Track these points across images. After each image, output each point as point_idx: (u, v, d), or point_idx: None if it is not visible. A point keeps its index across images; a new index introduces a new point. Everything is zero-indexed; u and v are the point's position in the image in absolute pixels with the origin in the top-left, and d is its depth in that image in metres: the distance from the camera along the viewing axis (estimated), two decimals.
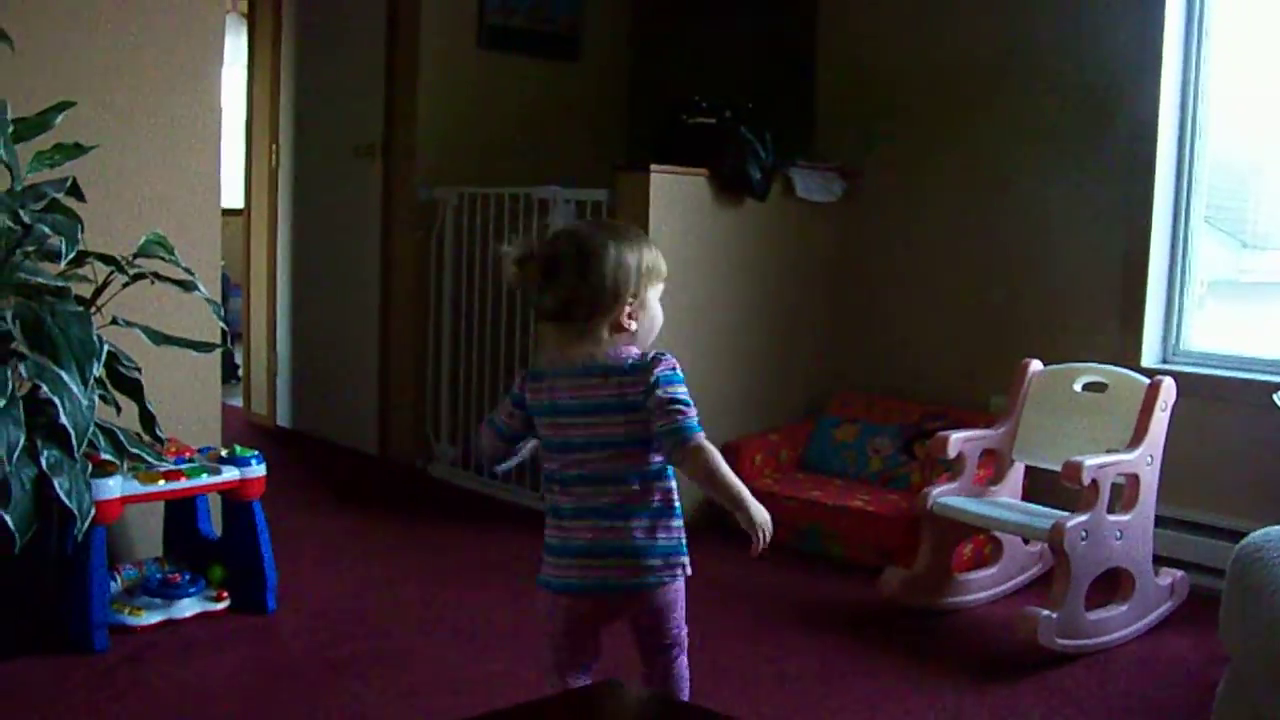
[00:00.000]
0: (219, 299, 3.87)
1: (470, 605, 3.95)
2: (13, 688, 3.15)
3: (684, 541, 2.44)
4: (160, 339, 3.38)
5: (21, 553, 3.07)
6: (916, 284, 5.20)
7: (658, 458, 2.39)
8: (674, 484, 2.43)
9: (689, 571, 2.46)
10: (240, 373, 7.26)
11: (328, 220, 6.34)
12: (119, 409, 3.42)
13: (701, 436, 2.33)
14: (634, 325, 2.42)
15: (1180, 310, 4.58)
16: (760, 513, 2.37)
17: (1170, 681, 3.51)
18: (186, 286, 3.40)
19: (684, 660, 2.54)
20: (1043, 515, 3.84)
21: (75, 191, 3.23)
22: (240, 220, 6.83)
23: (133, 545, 3.93)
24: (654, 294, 2.47)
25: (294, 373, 6.62)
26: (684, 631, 2.51)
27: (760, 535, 2.35)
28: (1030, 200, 4.83)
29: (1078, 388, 4.07)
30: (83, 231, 3.13)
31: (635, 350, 2.43)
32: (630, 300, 2.40)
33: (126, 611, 3.55)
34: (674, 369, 2.39)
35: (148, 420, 3.43)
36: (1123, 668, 3.60)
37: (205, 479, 3.61)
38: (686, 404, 2.35)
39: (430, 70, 5.73)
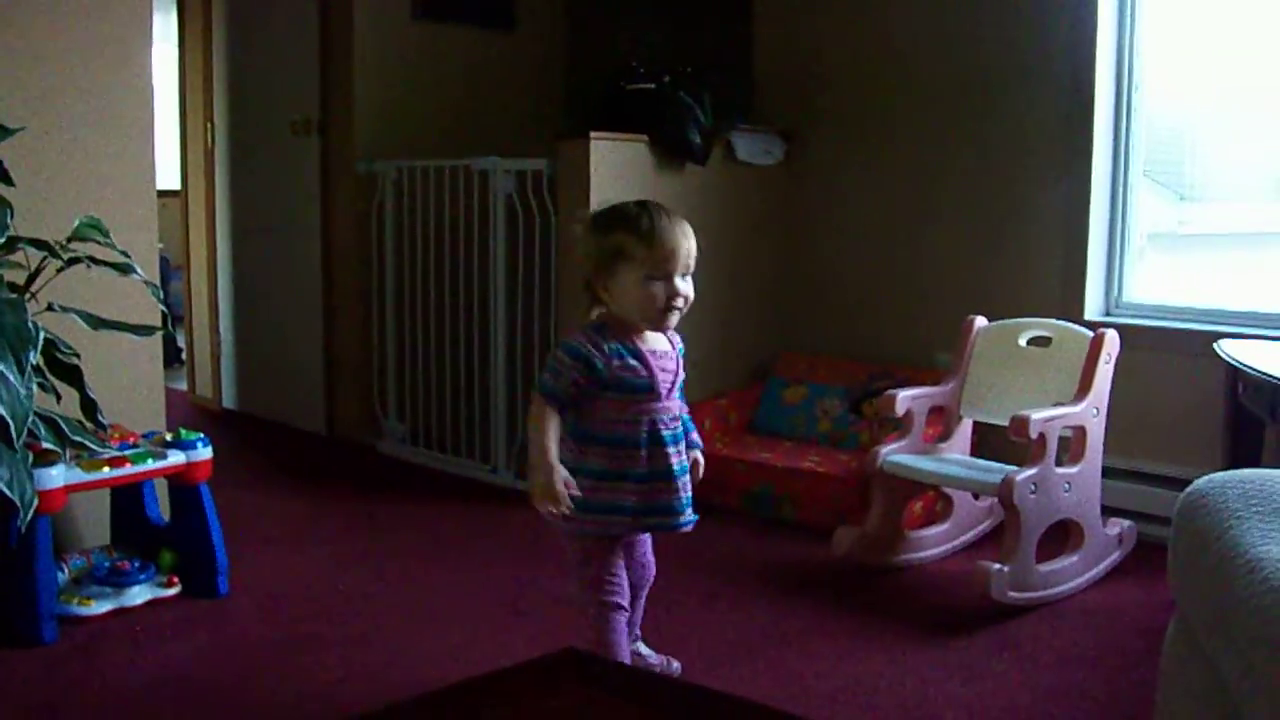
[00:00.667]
0: (158, 281, 3.82)
1: (426, 581, 3.93)
2: None
3: (584, 498, 2.67)
4: (98, 323, 3.32)
5: None
6: (859, 244, 5.21)
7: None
8: (582, 441, 2.75)
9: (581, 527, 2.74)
10: (184, 356, 7.18)
11: (267, 198, 6.26)
12: (59, 397, 3.36)
13: (536, 394, 2.71)
14: (608, 299, 2.73)
15: (1121, 263, 4.61)
16: (539, 480, 2.64)
17: (1121, 630, 3.55)
18: (123, 270, 3.34)
19: (594, 614, 2.75)
20: (992, 470, 3.87)
21: (2, 175, 3.16)
22: (178, 201, 6.73)
23: (79, 534, 3.88)
24: (628, 273, 2.67)
25: (238, 354, 6.55)
26: (586, 585, 2.77)
27: (541, 505, 2.63)
28: (971, 158, 4.85)
29: (1022, 342, 4.10)
30: (12, 217, 3.07)
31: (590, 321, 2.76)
32: (597, 276, 2.72)
33: (75, 602, 3.50)
34: (567, 341, 2.75)
35: (89, 407, 3.37)
36: (1074, 618, 3.64)
37: (150, 464, 3.56)
38: (548, 366, 2.73)
39: (365, 42, 5.66)
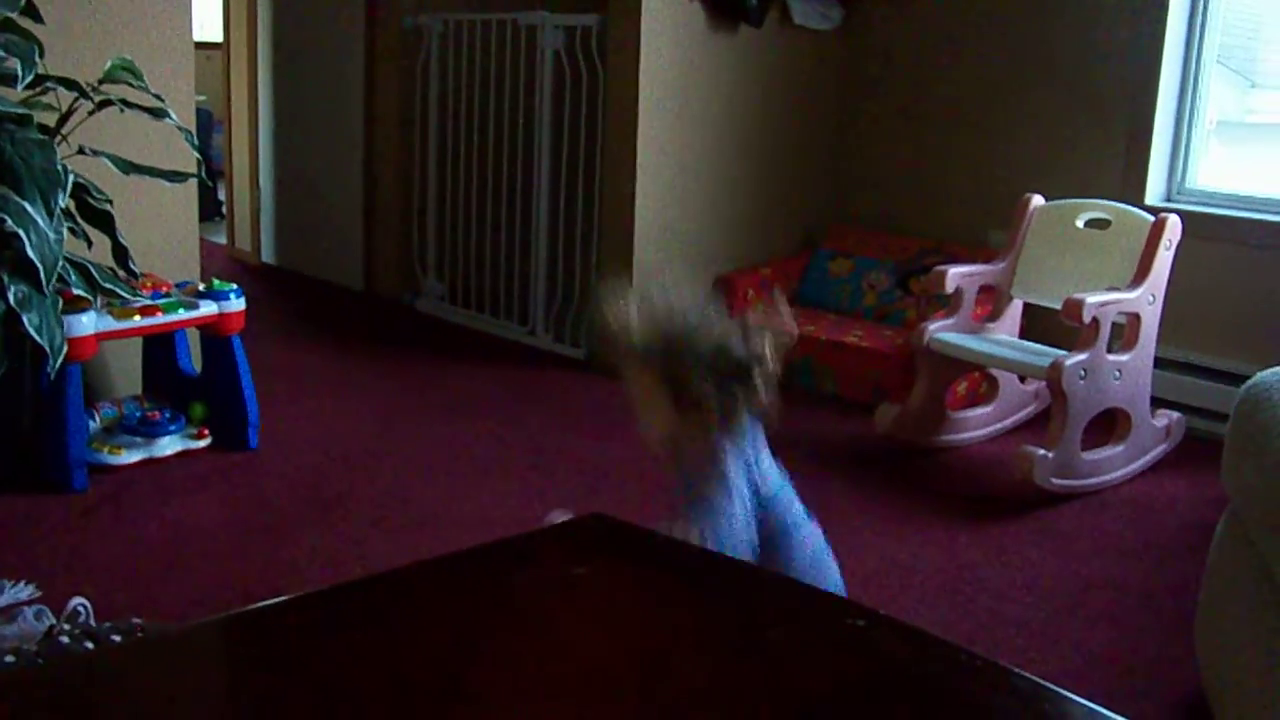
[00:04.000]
0: (193, 128, 3.72)
1: (458, 442, 3.89)
2: None
3: None
4: (130, 168, 3.24)
5: None
6: (916, 116, 5.04)
7: None
8: None
9: None
10: (224, 210, 7.12)
11: (310, 52, 6.13)
12: (90, 243, 3.30)
13: None
14: None
15: (1187, 148, 4.43)
16: None
17: (1163, 524, 3.48)
18: (157, 114, 3.25)
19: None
20: (1041, 353, 3.76)
21: (31, 12, 3.06)
22: (220, 54, 6.61)
23: (111, 383, 3.85)
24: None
25: (278, 209, 6.48)
26: None
27: None
28: (1038, 33, 4.65)
29: (1080, 224, 3.96)
30: (41, 55, 2.97)
31: None
32: None
33: (106, 450, 3.48)
34: None
35: (120, 254, 3.32)
36: (1116, 509, 3.56)
37: (182, 314, 3.51)
38: None
39: None
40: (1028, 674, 1.10)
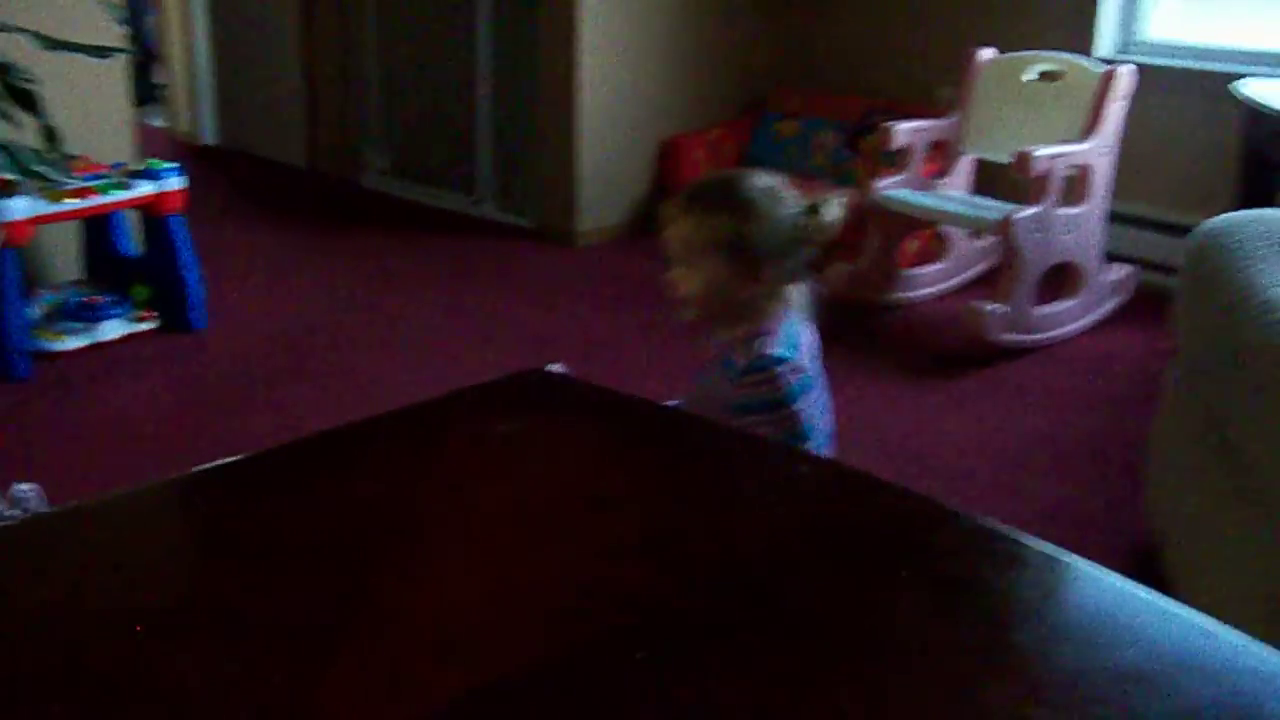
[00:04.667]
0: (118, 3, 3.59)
1: (403, 315, 3.86)
2: None
3: None
4: (51, 44, 3.12)
5: None
6: None
7: None
8: None
9: None
10: (161, 93, 6.94)
11: None
12: (16, 125, 3.20)
13: None
14: None
15: None
16: None
17: (1116, 374, 3.49)
18: None
19: None
20: (992, 208, 3.74)
21: None
22: None
23: (51, 269, 3.77)
24: None
25: (217, 88, 6.32)
26: None
27: None
28: None
29: (1030, 76, 3.91)
30: None
31: None
32: None
33: (48, 337, 3.42)
34: None
35: (50, 135, 3.21)
36: (1068, 362, 3.58)
37: (118, 195, 3.43)
38: None
39: None
40: (971, 514, 1.09)
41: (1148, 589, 0.97)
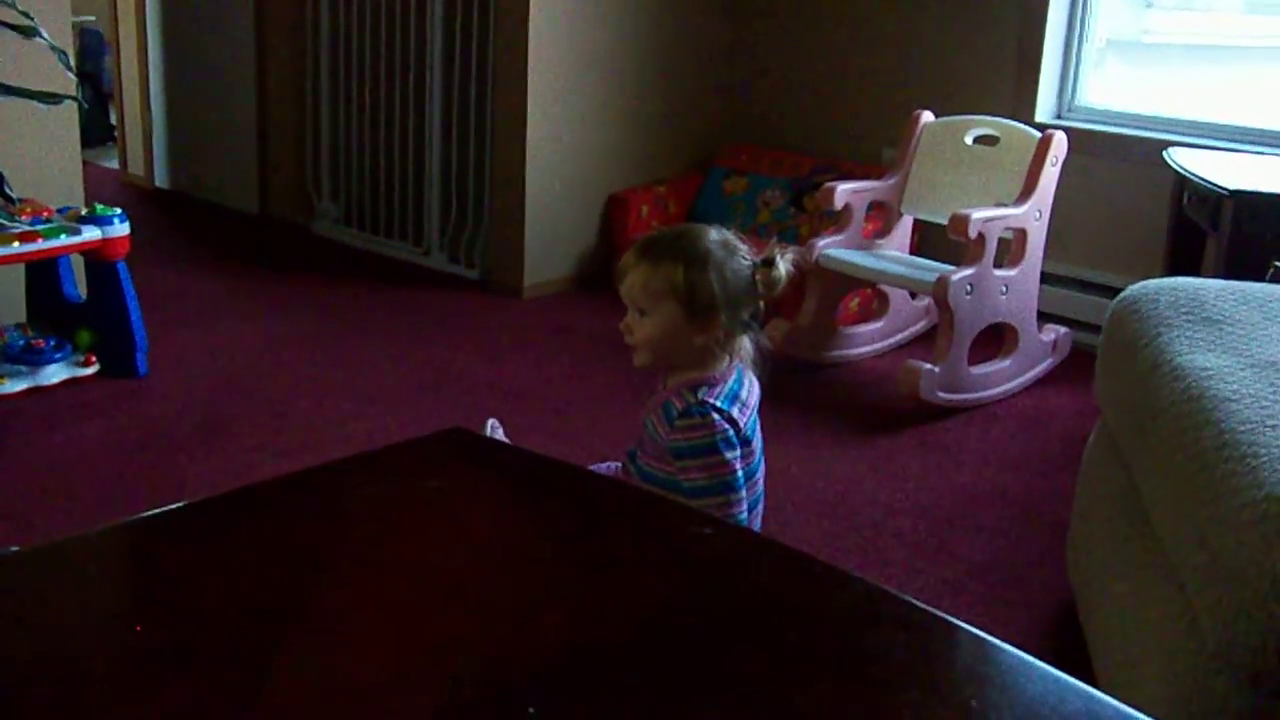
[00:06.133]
0: (69, 50, 3.62)
1: (350, 362, 3.88)
2: None
3: None
4: (0, 90, 3.15)
5: None
6: (810, 31, 5.03)
7: None
8: None
9: None
10: (116, 134, 6.94)
11: None
12: None
13: None
14: None
15: (1077, 65, 4.47)
16: None
17: (1048, 436, 3.56)
18: (27, 33, 3.16)
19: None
20: (928, 269, 3.81)
21: None
22: None
23: None
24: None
25: (170, 132, 6.33)
26: None
27: None
28: None
29: (969, 140, 4.00)
30: None
31: None
32: None
33: None
34: None
35: None
36: (1002, 422, 3.64)
37: (64, 239, 3.44)
38: None
39: None
40: (867, 578, 1.13)
41: (1024, 653, 1.01)
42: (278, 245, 5.43)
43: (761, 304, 2.17)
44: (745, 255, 2.15)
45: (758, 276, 2.12)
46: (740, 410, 2.11)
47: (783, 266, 2.14)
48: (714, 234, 2.16)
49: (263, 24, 5.66)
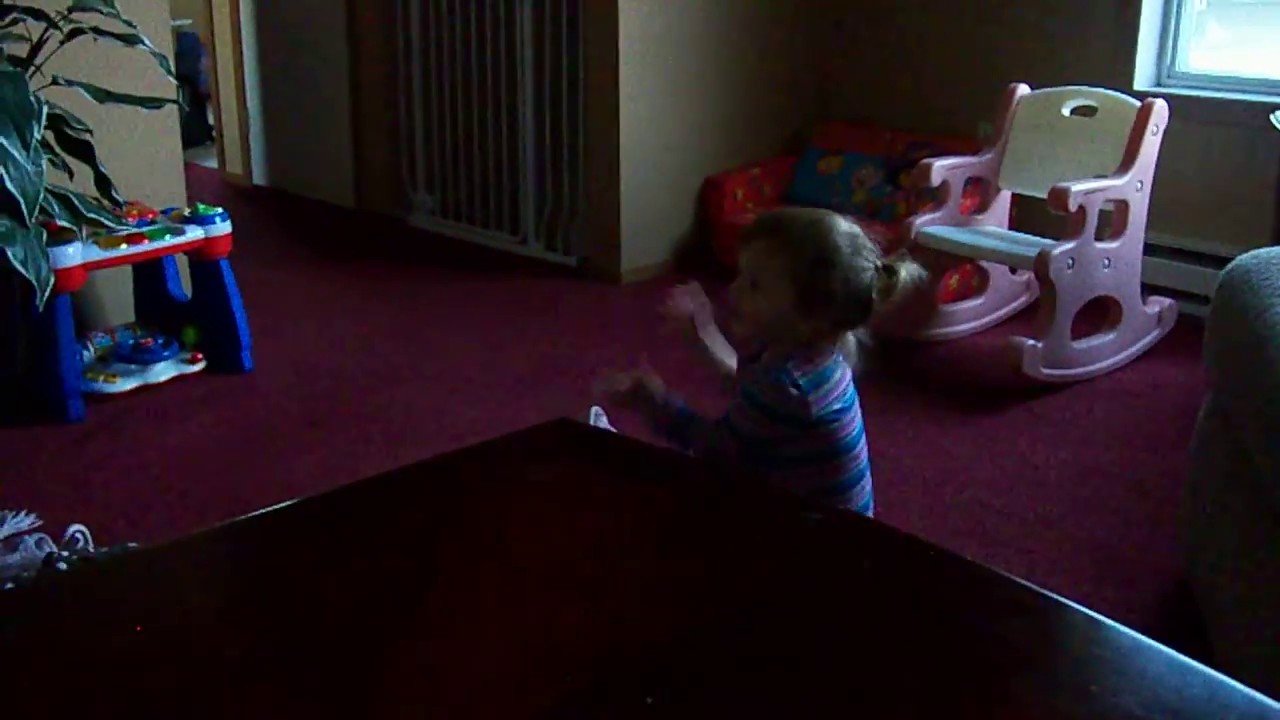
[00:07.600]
0: (169, 54, 3.69)
1: (450, 354, 3.91)
2: None
3: None
4: (104, 96, 3.22)
5: None
6: (902, 8, 4.97)
7: None
8: None
9: None
10: (214, 133, 7.07)
11: None
12: (72, 174, 3.30)
13: None
14: None
15: (1176, 30, 4.37)
16: None
17: (1155, 410, 3.49)
18: (129, 40, 3.22)
19: None
20: (1028, 243, 3.75)
21: None
22: None
23: (104, 313, 3.86)
24: None
25: (267, 129, 6.44)
26: None
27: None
28: None
29: (1066, 111, 3.92)
30: None
31: None
32: None
33: (101, 379, 3.51)
34: None
35: (103, 183, 3.31)
36: (1108, 397, 3.58)
37: (168, 240, 3.51)
38: None
39: None
40: (981, 562, 1.12)
41: (1144, 636, 1.00)
42: (375, 238, 5.50)
43: (878, 307, 2.11)
44: (870, 256, 2.09)
45: (881, 282, 2.08)
46: (820, 398, 2.08)
47: (904, 274, 2.09)
48: (844, 226, 2.08)
49: (354, 19, 5.73)
